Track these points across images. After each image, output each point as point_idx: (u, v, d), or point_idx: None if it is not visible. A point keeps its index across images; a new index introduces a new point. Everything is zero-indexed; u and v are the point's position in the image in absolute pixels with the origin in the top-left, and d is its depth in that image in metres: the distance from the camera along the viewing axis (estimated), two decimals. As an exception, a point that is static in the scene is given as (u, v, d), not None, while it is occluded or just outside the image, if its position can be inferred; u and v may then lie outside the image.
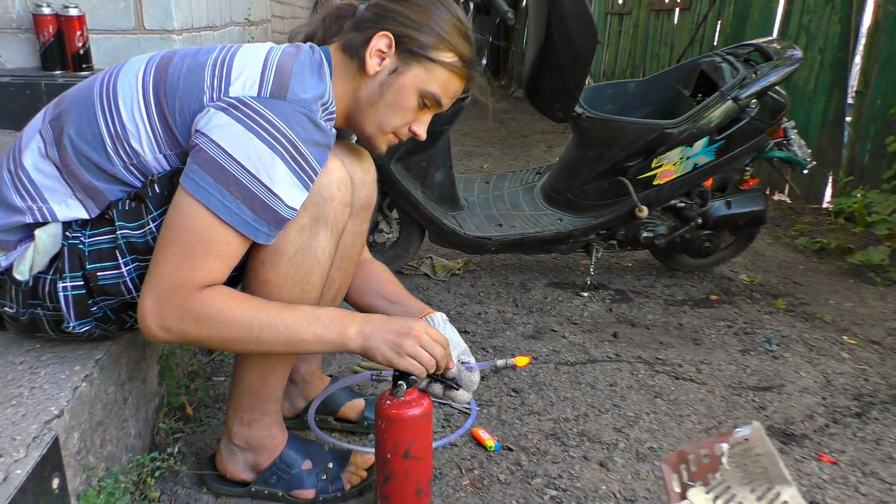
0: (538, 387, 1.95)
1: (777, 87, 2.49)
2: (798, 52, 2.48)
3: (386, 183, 2.45)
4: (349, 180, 1.31)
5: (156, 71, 1.23)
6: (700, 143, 2.46)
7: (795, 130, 2.60)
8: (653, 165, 2.48)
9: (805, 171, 2.64)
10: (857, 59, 4.11)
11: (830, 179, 4.23)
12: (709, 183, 2.63)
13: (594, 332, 2.34)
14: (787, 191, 4.52)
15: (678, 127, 2.43)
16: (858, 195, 3.73)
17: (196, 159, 1.13)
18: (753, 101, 2.43)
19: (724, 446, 0.96)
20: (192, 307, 1.14)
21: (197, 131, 1.14)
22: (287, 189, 1.17)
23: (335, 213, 1.29)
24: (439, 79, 1.32)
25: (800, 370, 2.13)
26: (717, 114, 2.43)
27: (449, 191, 2.59)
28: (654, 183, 2.51)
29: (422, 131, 1.39)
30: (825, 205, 4.21)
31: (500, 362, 1.39)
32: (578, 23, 2.17)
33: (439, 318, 1.44)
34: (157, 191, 1.22)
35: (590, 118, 2.45)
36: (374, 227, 2.62)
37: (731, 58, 2.56)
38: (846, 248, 3.33)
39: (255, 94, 1.16)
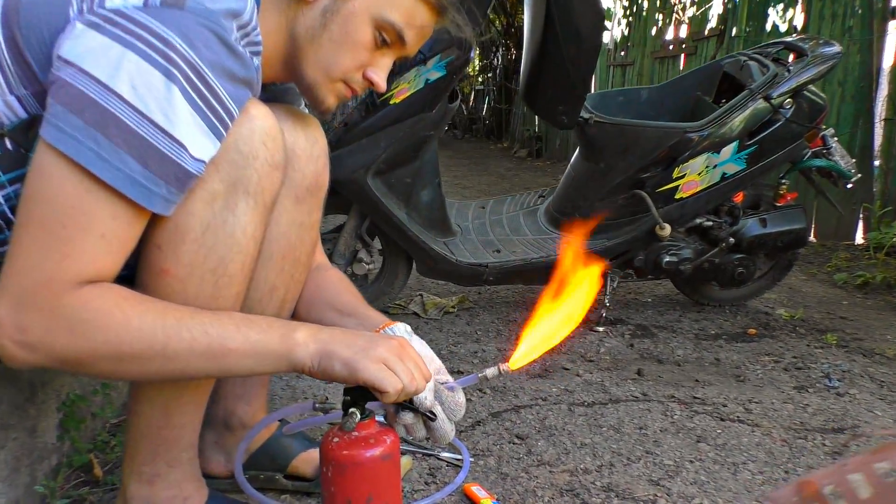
0: (548, 431, 1.55)
1: (814, 88, 2.17)
2: (836, 47, 2.17)
3: (364, 202, 2.11)
4: (279, 133, 0.96)
5: None
6: (728, 150, 2.12)
7: (836, 139, 2.27)
8: (674, 176, 2.13)
9: (849, 186, 2.29)
10: (883, 87, 3.82)
11: (862, 214, 3.87)
12: (739, 198, 2.27)
13: (614, 370, 1.95)
14: (812, 229, 4.16)
15: (702, 130, 2.10)
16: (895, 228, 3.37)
17: (59, 97, 0.78)
18: (788, 100, 2.10)
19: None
20: (66, 312, 0.79)
21: (59, 58, 0.80)
22: (190, 132, 0.82)
23: (260, 176, 0.94)
24: (400, 4, 0.99)
25: (873, 409, 1.72)
26: (746, 115, 2.10)
27: (438, 213, 2.24)
28: (677, 197, 2.16)
29: (381, 79, 1.05)
30: (858, 241, 3.84)
31: (489, 371, 1.00)
32: (583, 7, 1.87)
33: (402, 328, 1.07)
34: (10, 147, 0.87)
35: (599, 123, 2.12)
36: (352, 257, 2.26)
37: (758, 56, 2.24)
38: (895, 280, 2.95)
39: (141, 6, 0.82)
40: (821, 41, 2.22)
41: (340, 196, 2.15)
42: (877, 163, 3.80)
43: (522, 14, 9.98)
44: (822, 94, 2.17)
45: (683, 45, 5.85)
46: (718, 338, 2.25)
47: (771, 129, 2.12)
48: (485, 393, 1.76)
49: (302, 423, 1.28)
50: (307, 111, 1.22)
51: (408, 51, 1.05)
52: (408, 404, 0.95)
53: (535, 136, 9.35)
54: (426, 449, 1.47)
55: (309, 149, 1.14)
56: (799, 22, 4.45)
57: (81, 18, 0.82)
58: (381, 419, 0.99)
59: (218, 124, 0.86)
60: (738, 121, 2.10)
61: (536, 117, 9.93)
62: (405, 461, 1.41)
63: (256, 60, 0.95)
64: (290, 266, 1.17)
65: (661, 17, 6.44)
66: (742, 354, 2.09)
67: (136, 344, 0.81)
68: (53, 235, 0.79)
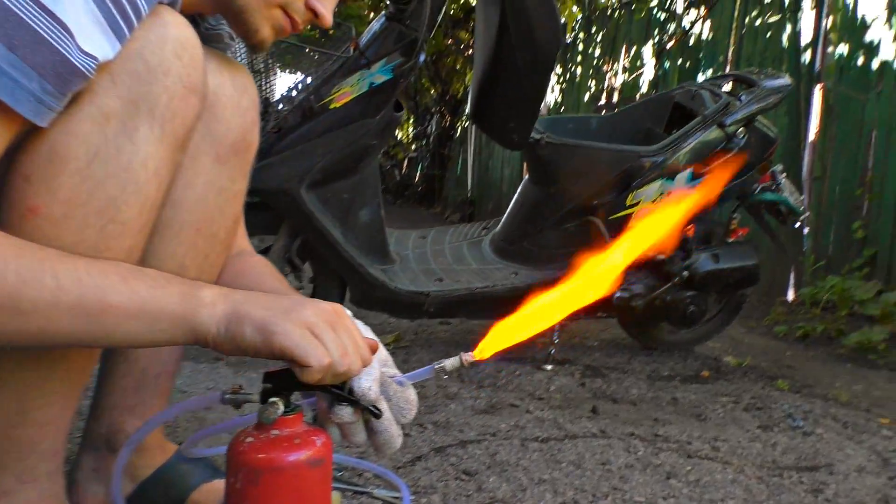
0: (500, 467, 1.34)
1: (765, 121, 2.13)
2: (786, 79, 2.15)
3: (295, 217, 1.91)
4: (199, 49, 0.78)
5: None
6: (682, 177, 2.04)
7: (784, 175, 2.22)
8: (627, 203, 2.03)
9: (798, 224, 2.24)
10: (810, 145, 3.92)
11: (793, 270, 3.90)
12: (690, 232, 2.18)
13: (567, 408, 1.77)
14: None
15: (657, 155, 2.01)
16: (830, 283, 3.38)
17: None
18: (741, 129, 2.04)
19: None
20: None
21: None
22: (79, 17, 0.63)
23: (171, 97, 0.74)
24: None
25: (843, 448, 1.59)
26: (699, 141, 2.03)
27: (377, 236, 2.05)
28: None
29: (326, 11, 0.88)
30: (791, 297, 3.85)
31: (448, 363, 0.80)
32: (540, 10, 1.77)
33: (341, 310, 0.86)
34: None
35: (551, 144, 2.00)
36: (279, 281, 2.03)
37: (710, 87, 2.20)
38: (836, 331, 2.91)
39: None
40: (770, 73, 2.20)
41: (268, 213, 1.94)
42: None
43: (457, 83, 10.15)
44: (773, 128, 2.14)
45: (616, 111, 5.97)
46: (672, 379, 2.11)
47: (724, 158, 2.05)
48: (425, 428, 1.54)
49: (208, 450, 1.05)
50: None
51: None
52: (346, 396, 0.74)
53: (469, 201, 9.35)
54: (357, 486, 1.24)
55: (237, 98, 0.95)
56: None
57: None
58: (311, 421, 0.78)
59: (119, 18, 0.66)
60: (691, 147, 2.02)
61: (469, 182, 9.97)
62: (334, 497, 1.17)
63: None
64: (205, 242, 0.96)
65: (593, 83, 6.59)
66: (699, 395, 1.95)
67: None
68: None
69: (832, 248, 3.70)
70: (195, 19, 0.95)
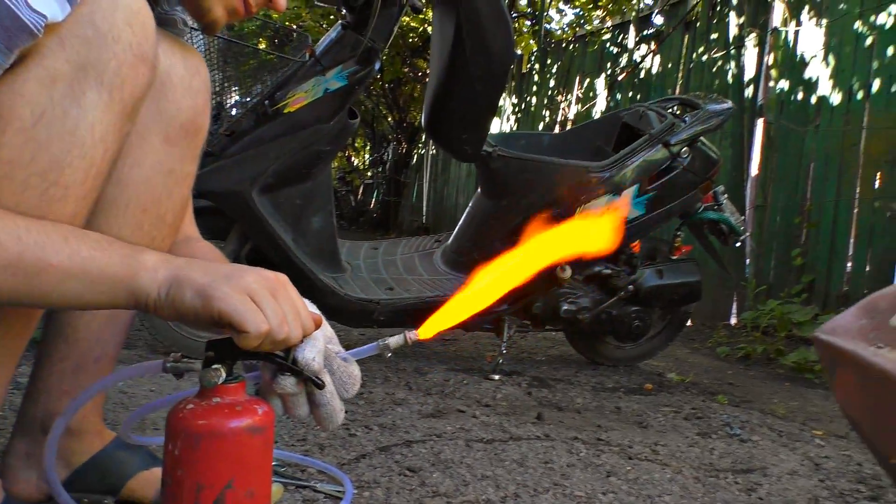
0: (444, 465, 1.35)
1: (707, 143, 2.22)
2: (728, 103, 2.24)
3: (246, 220, 1.90)
4: (150, 19, 0.78)
5: None
6: (629, 194, 2.10)
7: (726, 196, 2.31)
8: (576, 216, 2.07)
9: (738, 244, 2.32)
10: (752, 175, 4.07)
11: (736, 296, 4.01)
12: (636, 248, 2.24)
13: (513, 414, 1.78)
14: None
15: (604, 171, 2.07)
16: (770, 307, 3.49)
17: None
18: (685, 149, 2.12)
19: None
20: None
21: None
22: None
23: (120, 64, 0.75)
24: None
25: (778, 454, 1.64)
26: (646, 159, 2.10)
27: (328, 244, 2.06)
28: (578, 238, 2.09)
29: None
30: (733, 321, 3.96)
31: (392, 340, 0.80)
32: (494, 24, 1.83)
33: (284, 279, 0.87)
34: None
35: (503, 157, 2.05)
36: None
37: (657, 108, 2.28)
38: (776, 352, 3.00)
39: None
40: (713, 97, 2.29)
41: (218, 217, 1.93)
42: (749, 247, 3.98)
43: (415, 111, 10.23)
44: (715, 150, 2.22)
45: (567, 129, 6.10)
46: (616, 390, 2.14)
47: (669, 176, 2.12)
48: (371, 429, 1.54)
49: (147, 438, 1.04)
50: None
51: None
52: (290, 365, 0.74)
53: (423, 228, 9.39)
54: (300, 480, 1.23)
55: (188, 79, 0.96)
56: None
57: None
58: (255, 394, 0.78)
59: None
60: (638, 164, 2.09)
61: (424, 209, 10.03)
62: (275, 489, 1.16)
63: None
64: (150, 224, 0.96)
65: (547, 112, 6.73)
66: (642, 405, 1.99)
67: None
68: None
69: (773, 274, 3.83)
70: (150, 3, 0.96)
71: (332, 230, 2.06)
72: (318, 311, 0.83)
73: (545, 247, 0.80)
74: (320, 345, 0.77)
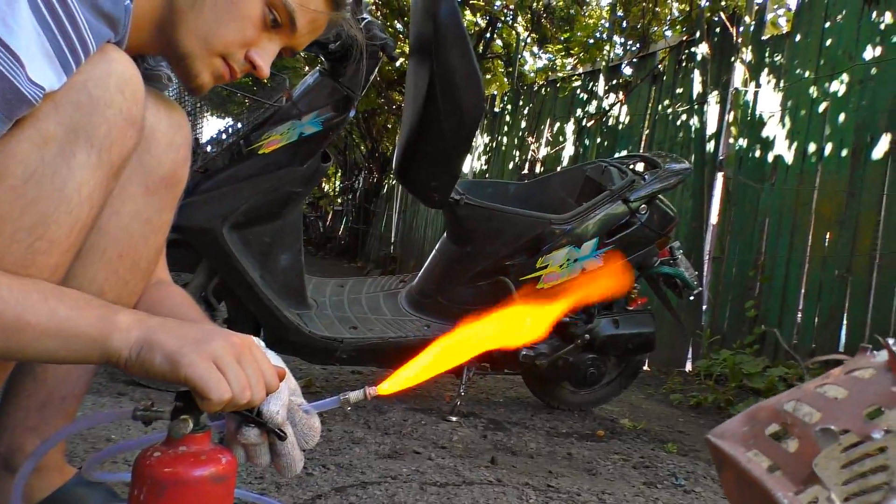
0: (398, 508, 1.39)
1: (665, 201, 2.32)
2: (686, 164, 2.35)
3: (215, 256, 1.94)
4: (140, 85, 0.84)
5: None
6: (589, 246, 2.18)
7: (682, 251, 2.41)
8: (537, 265, 2.15)
9: (692, 297, 2.42)
10: (711, 227, 4.21)
11: (691, 344, 4.12)
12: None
13: (467, 458, 1.83)
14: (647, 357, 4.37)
15: (566, 224, 2.15)
16: (723, 357, 3.60)
17: None
18: (643, 206, 2.22)
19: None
20: None
21: None
22: (31, 49, 0.69)
23: (110, 127, 0.80)
24: None
25: (718, 505, 1.71)
26: (606, 214, 2.19)
27: (295, 281, 2.10)
28: (539, 287, 2.17)
29: (264, 63, 0.95)
30: (688, 368, 4.06)
31: (353, 395, 0.86)
32: (466, 81, 1.91)
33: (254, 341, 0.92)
34: None
35: (469, 205, 2.12)
36: (193, 319, 2.04)
37: (618, 164, 2.38)
38: (726, 401, 3.10)
39: None
40: (672, 157, 2.40)
41: (188, 250, 1.96)
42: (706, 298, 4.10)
43: (387, 141, 10.33)
44: (672, 207, 2.32)
45: (533, 179, 6.23)
46: (570, 436, 2.20)
47: (627, 231, 2.21)
48: (328, 468, 1.58)
49: (108, 475, 1.06)
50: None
51: (297, 40, 0.97)
52: (254, 418, 0.79)
53: (391, 257, 9.43)
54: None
55: (171, 135, 1.01)
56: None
57: None
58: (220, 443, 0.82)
59: (68, 53, 0.72)
60: (598, 218, 2.18)
61: (392, 240, 10.08)
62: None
63: (127, 1, 0.83)
64: (126, 269, 1.00)
65: (517, 153, 6.87)
66: (593, 451, 2.05)
67: None
68: None
69: (727, 324, 3.95)
70: (136, 59, 1.01)
71: (299, 268, 2.10)
72: (282, 364, 0.88)
73: (490, 331, 0.87)
74: (284, 398, 0.82)
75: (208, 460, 0.76)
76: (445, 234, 2.29)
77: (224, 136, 1.98)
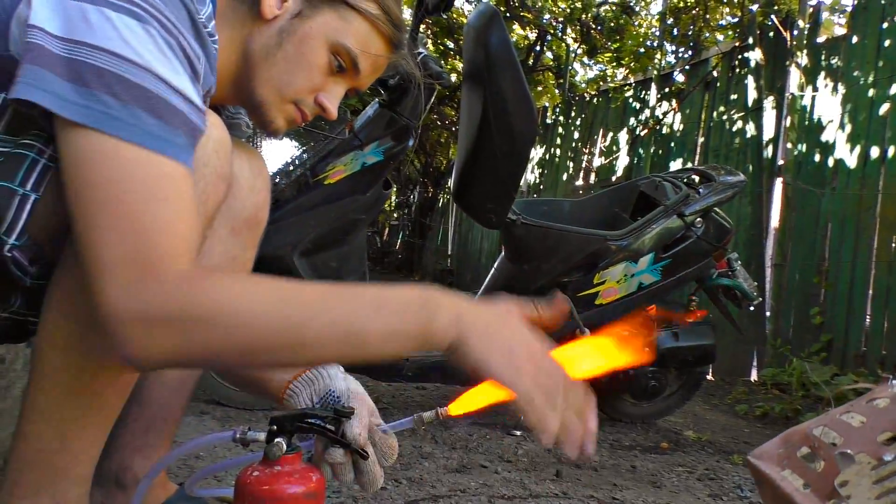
0: (468, 521, 1.46)
1: (721, 213, 2.34)
2: (740, 176, 2.37)
3: (287, 281, 2.05)
4: (230, 146, 0.94)
5: None
6: (645, 261, 2.22)
7: (739, 262, 2.41)
8: (595, 282, 2.19)
9: (752, 307, 2.42)
10: (772, 234, 4.16)
11: (756, 352, 4.07)
12: (653, 311, 2.35)
13: (532, 471, 1.88)
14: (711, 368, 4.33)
15: (622, 240, 2.20)
16: (788, 366, 3.55)
17: (36, 60, 0.72)
18: (699, 219, 2.24)
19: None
20: (184, 301, 0.71)
21: (28, 25, 0.74)
22: (183, 81, 0.78)
23: (207, 184, 0.90)
24: (357, 31, 1.00)
25: (785, 517, 1.72)
26: (661, 229, 2.22)
27: (361, 303, 2.19)
28: (597, 302, 2.22)
29: (332, 106, 1.04)
30: (754, 377, 4.01)
31: (427, 415, 0.94)
32: (518, 106, 1.98)
33: (334, 369, 1.01)
34: None
35: (525, 225, 2.18)
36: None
37: (672, 178, 2.41)
38: (793, 411, 3.06)
39: None
40: (726, 169, 2.42)
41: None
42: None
43: (440, 156, 10.43)
44: (728, 219, 2.34)
45: (592, 191, 6.24)
46: (633, 448, 2.23)
47: (683, 245, 2.24)
48: (400, 483, 1.66)
49: (207, 490, 1.17)
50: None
51: (361, 82, 1.06)
52: (339, 439, 0.88)
53: (448, 270, 9.52)
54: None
55: (252, 180, 1.11)
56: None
57: None
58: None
59: (195, 77, 0.82)
60: (654, 233, 2.21)
61: (448, 253, 10.19)
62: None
63: (215, 50, 0.93)
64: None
65: (571, 164, 6.89)
66: (657, 464, 2.08)
67: (270, 335, 0.73)
68: (125, 219, 0.71)
69: (792, 331, 3.90)
70: (218, 108, 1.12)
71: (365, 290, 2.20)
72: (360, 389, 0.97)
73: (581, 359, 0.91)
74: (365, 420, 0.90)
75: (301, 478, 0.85)
76: (503, 253, 2.36)
77: (291, 168, 2.10)
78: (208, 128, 0.89)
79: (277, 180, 2.10)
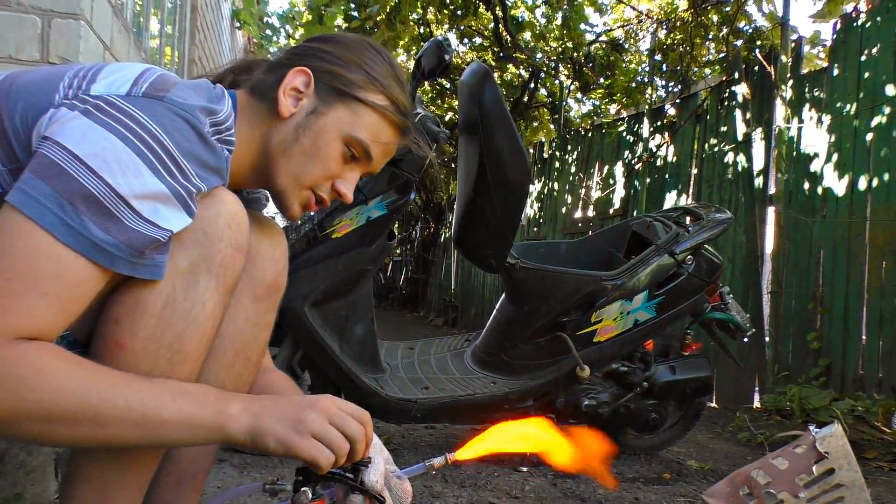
0: (479, 557, 1.54)
1: (711, 249, 2.44)
2: (727, 214, 2.48)
3: (298, 331, 2.15)
4: (244, 218, 1.04)
5: (7, 76, 0.97)
6: (640, 298, 2.32)
7: (731, 296, 2.51)
8: (592, 320, 2.29)
9: (746, 338, 2.52)
10: (767, 264, 4.26)
11: (757, 379, 4.14)
12: (650, 346, 2.45)
13: (539, 507, 1.96)
14: (714, 396, 4.39)
15: (616, 279, 2.30)
16: (789, 391, 3.63)
17: (31, 166, 0.84)
18: (689, 256, 2.35)
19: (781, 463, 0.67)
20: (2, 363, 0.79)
21: (42, 137, 0.87)
22: (155, 205, 0.88)
23: (224, 256, 0.99)
24: (368, 123, 1.12)
25: (783, 543, 1.79)
26: (654, 267, 2.33)
27: (369, 349, 2.30)
28: (595, 340, 2.31)
29: (348, 191, 1.15)
30: (756, 404, 4.08)
31: (437, 461, 1.04)
32: (512, 159, 2.10)
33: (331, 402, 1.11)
34: None
35: (524, 268, 2.29)
36: (280, 389, 2.25)
37: (662, 218, 2.52)
38: (793, 437, 3.13)
39: (124, 93, 0.91)
40: (714, 208, 2.53)
41: (275, 328, 2.18)
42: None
43: (441, 192, 10.57)
44: (718, 255, 2.44)
45: (591, 224, 6.36)
46: (636, 481, 2.31)
47: (676, 282, 2.34)
48: (413, 523, 1.74)
49: (224, 494, 1.25)
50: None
51: (373, 166, 1.17)
52: (358, 486, 0.97)
53: (452, 305, 9.60)
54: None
55: (271, 251, 1.22)
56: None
57: (67, 103, 0.90)
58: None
59: (188, 199, 0.91)
60: (647, 272, 2.32)
61: (452, 288, 10.29)
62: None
63: (227, 153, 1.04)
64: (240, 365, 1.20)
65: (569, 198, 7.03)
66: (659, 495, 2.16)
67: (68, 407, 0.81)
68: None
69: (791, 357, 3.98)
70: (238, 189, 1.23)
71: (373, 336, 2.30)
72: (377, 440, 1.06)
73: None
74: (381, 468, 1.00)
75: (325, 523, 0.94)
76: (504, 296, 2.46)
77: (300, 223, 2.21)
78: (220, 203, 0.99)
79: (287, 235, 2.21)
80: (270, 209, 1.35)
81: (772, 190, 4.24)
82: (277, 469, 2.11)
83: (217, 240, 0.98)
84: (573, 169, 7.05)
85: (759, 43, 4.77)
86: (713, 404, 4.31)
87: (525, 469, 2.30)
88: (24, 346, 0.80)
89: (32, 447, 1.55)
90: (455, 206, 2.38)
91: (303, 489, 0.94)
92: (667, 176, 5.38)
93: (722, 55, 5.66)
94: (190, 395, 0.89)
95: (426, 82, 2.15)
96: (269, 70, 1.14)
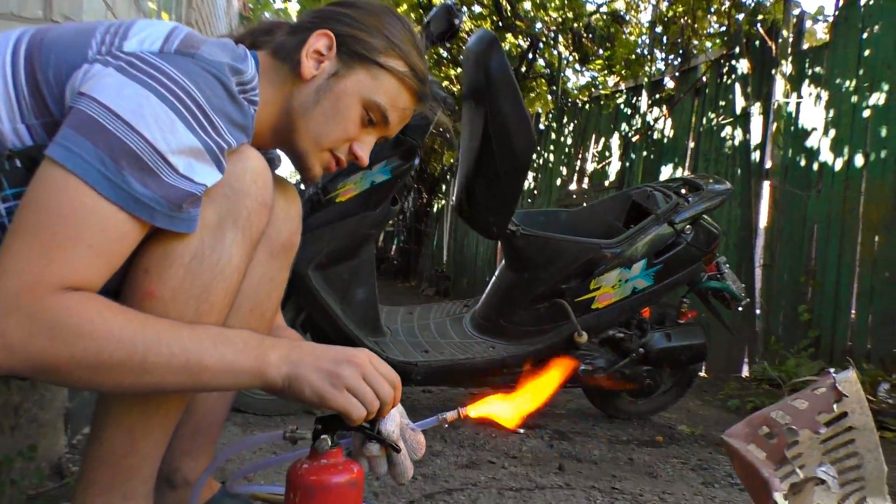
0: (480, 511, 1.59)
1: (709, 219, 2.48)
2: (727, 185, 2.51)
3: (302, 294, 2.18)
4: (269, 175, 1.06)
5: (37, 30, 0.99)
6: (638, 266, 2.36)
7: (728, 265, 2.56)
8: (591, 287, 2.34)
9: (740, 307, 2.57)
10: (760, 237, 4.31)
11: (747, 350, 4.22)
12: (647, 314, 2.49)
13: (537, 466, 2.02)
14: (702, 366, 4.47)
15: (616, 247, 2.34)
16: (778, 363, 3.70)
17: (70, 122, 0.86)
18: (688, 226, 2.39)
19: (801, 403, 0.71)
20: (47, 316, 0.80)
21: (78, 93, 0.88)
22: (189, 161, 0.91)
23: (249, 211, 1.02)
24: (387, 88, 1.14)
25: (772, 502, 1.86)
26: (653, 236, 2.37)
27: (370, 313, 2.33)
28: (593, 307, 2.36)
29: (364, 154, 1.18)
30: (745, 373, 4.16)
31: (449, 414, 1.08)
32: (517, 127, 2.12)
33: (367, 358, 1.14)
34: (19, 165, 0.92)
35: (525, 235, 2.32)
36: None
37: (662, 188, 2.56)
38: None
39: (157, 50, 0.94)
40: (713, 179, 2.57)
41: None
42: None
43: (434, 162, 10.54)
44: (716, 225, 2.48)
45: (585, 196, 6.39)
46: (630, 443, 2.37)
47: (674, 251, 2.38)
48: (416, 478, 1.79)
49: (248, 486, 1.30)
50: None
51: (389, 131, 1.20)
52: (375, 435, 1.01)
53: (444, 276, 9.64)
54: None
55: (287, 209, 1.25)
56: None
57: (100, 59, 0.92)
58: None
59: (220, 155, 0.94)
60: (646, 241, 2.36)
61: (444, 258, 10.34)
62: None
63: (252, 111, 1.06)
64: (255, 321, 1.23)
65: (564, 169, 7.04)
66: (653, 457, 2.22)
67: (116, 354, 0.83)
68: (43, 241, 0.82)
69: (781, 329, 4.05)
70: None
71: (374, 299, 2.33)
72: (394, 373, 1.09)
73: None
74: (397, 419, 1.04)
75: (344, 470, 0.98)
76: (504, 262, 2.50)
77: (304, 187, 2.23)
78: (246, 159, 1.01)
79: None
80: (281, 171, 1.38)
81: (768, 164, 4.27)
82: (280, 428, 2.16)
83: (244, 195, 1.01)
84: (569, 141, 7.05)
85: (760, 17, 4.77)
86: (703, 374, 4.39)
87: (522, 431, 2.36)
88: (72, 296, 0.83)
89: (44, 402, 1.58)
90: (458, 173, 2.40)
91: (322, 436, 0.98)
92: (663, 149, 5.40)
93: (723, 29, 5.65)
94: (230, 342, 0.91)
95: (433, 47, 2.16)
96: (291, 32, 1.16)
